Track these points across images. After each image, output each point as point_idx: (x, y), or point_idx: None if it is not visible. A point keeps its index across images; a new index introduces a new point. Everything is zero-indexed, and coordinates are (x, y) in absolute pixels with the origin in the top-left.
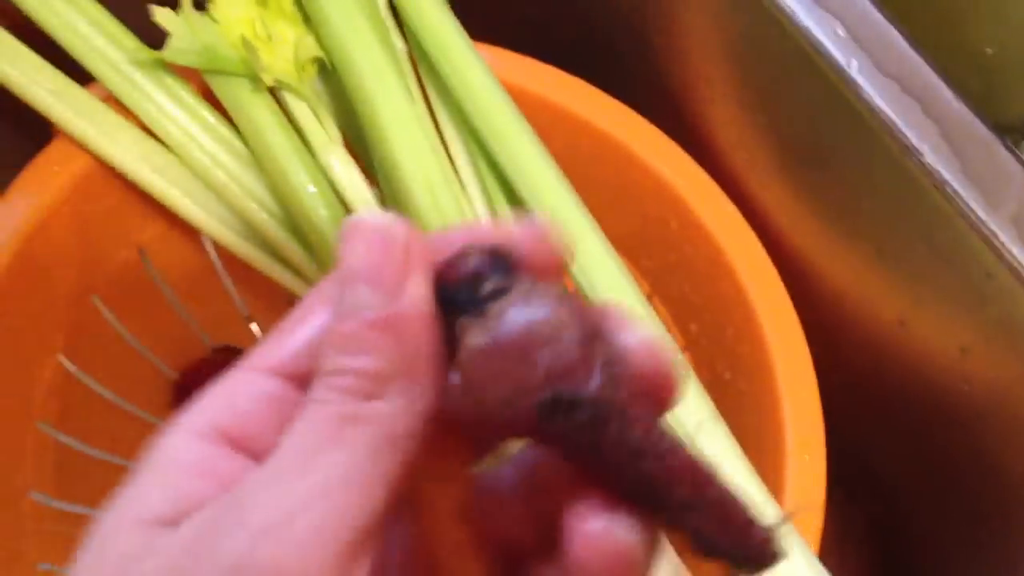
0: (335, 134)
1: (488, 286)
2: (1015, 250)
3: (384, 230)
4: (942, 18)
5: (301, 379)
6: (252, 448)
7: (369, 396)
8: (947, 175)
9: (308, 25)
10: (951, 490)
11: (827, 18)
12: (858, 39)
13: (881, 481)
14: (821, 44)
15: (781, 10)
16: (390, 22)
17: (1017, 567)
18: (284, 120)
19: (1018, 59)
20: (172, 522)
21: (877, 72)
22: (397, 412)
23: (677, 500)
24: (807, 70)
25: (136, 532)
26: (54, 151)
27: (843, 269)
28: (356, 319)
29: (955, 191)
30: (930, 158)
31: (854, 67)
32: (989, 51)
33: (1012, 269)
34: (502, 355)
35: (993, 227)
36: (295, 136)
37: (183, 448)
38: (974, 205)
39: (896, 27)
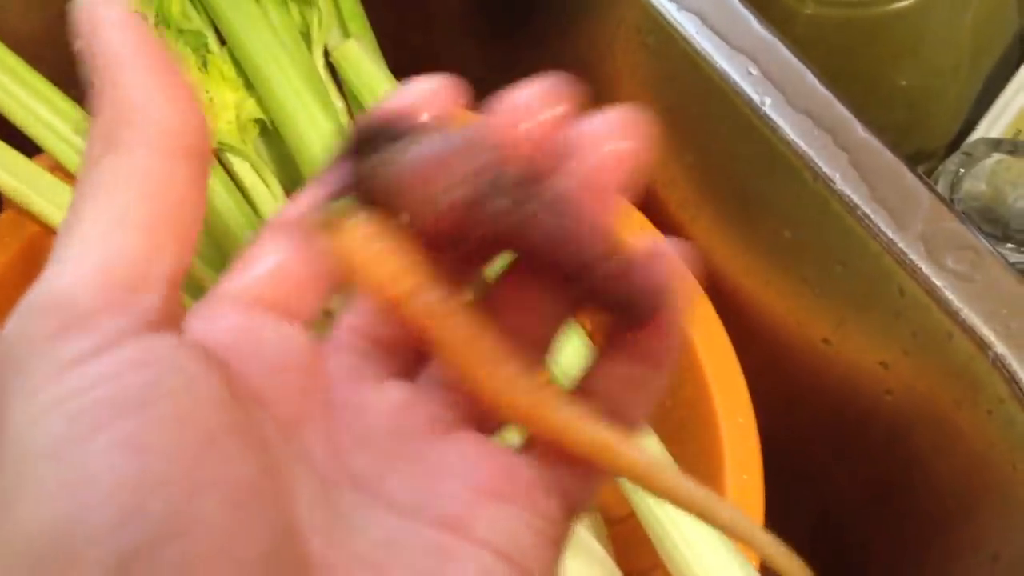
0: (278, 192)
1: (394, 134)
2: (924, 267)
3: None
4: (862, 56)
5: (267, 304)
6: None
7: (101, 156)
8: (857, 199)
9: (249, 89)
10: (886, 498)
11: (740, 58)
12: (770, 77)
13: (819, 494)
14: (736, 83)
15: (697, 52)
16: (329, 82)
17: (954, 573)
18: (228, 180)
19: (933, 92)
20: None
21: (789, 108)
22: (126, 157)
23: (582, 257)
24: (725, 108)
25: None
26: (3, 222)
27: (771, 295)
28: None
29: (865, 214)
30: (841, 184)
31: (767, 103)
32: (904, 83)
33: (922, 285)
34: (425, 165)
35: (903, 246)
36: (239, 195)
37: None
38: (884, 227)
39: (807, 65)
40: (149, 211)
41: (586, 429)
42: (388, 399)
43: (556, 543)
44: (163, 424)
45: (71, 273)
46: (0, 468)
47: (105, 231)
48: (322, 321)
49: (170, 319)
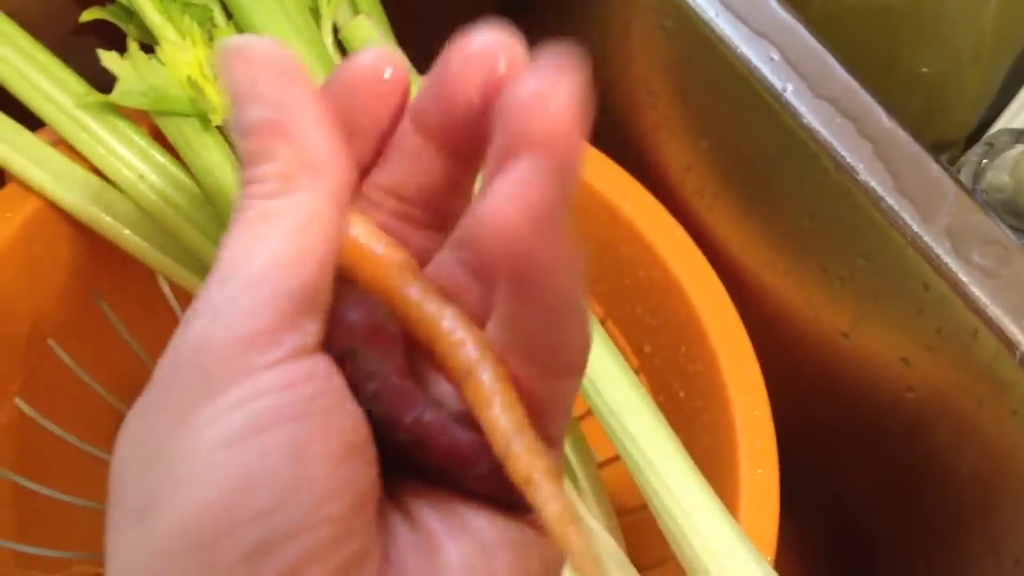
0: None
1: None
2: (949, 261)
3: (253, 50)
4: (881, 41)
5: None
6: None
7: (279, 194)
8: (882, 191)
9: None
10: (902, 496)
11: (762, 43)
12: (792, 63)
13: (834, 491)
14: (757, 69)
15: (718, 37)
16: (337, 59)
17: (969, 572)
18: (234, 158)
19: (954, 78)
20: None
21: (811, 94)
22: (308, 200)
23: (453, 475)
24: (745, 94)
25: None
26: (4, 197)
27: (789, 286)
28: (249, 134)
29: (890, 206)
30: (865, 175)
31: (789, 90)
32: (925, 70)
33: (947, 279)
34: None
35: (928, 240)
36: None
37: None
38: (908, 219)
39: (829, 51)
40: (325, 250)
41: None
42: None
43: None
44: (317, 433)
45: (256, 292)
46: (178, 458)
47: (290, 261)
48: None
49: (322, 345)
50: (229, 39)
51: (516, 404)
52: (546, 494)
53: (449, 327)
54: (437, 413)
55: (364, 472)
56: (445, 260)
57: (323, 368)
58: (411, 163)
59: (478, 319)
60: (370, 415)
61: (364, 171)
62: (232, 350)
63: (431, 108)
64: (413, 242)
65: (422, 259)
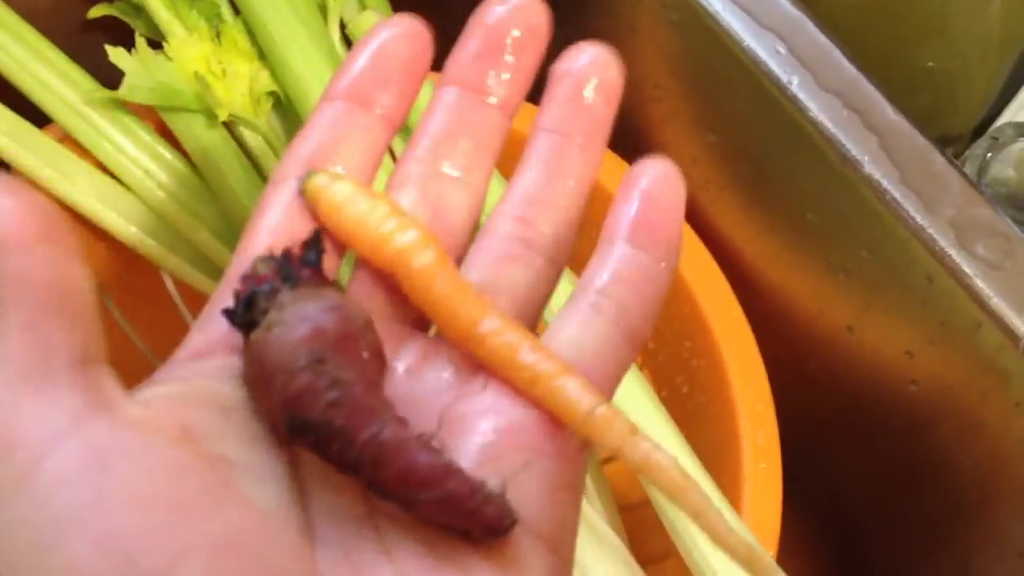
0: None
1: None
2: (954, 254)
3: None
4: (888, 36)
5: None
6: None
7: None
8: (887, 184)
9: (263, 60)
10: (905, 491)
11: (768, 36)
12: (798, 56)
13: (837, 485)
14: (763, 62)
15: (724, 30)
16: (344, 54)
17: (972, 567)
18: (240, 154)
19: (960, 73)
20: None
21: (817, 87)
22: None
23: (405, 497)
24: (751, 87)
25: None
26: None
27: (793, 280)
28: None
29: (895, 199)
30: (870, 168)
31: (795, 83)
32: (931, 65)
33: (952, 273)
34: (254, 381)
35: (932, 232)
36: (251, 169)
37: None
38: (913, 212)
39: (835, 44)
40: (31, 310)
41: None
42: (401, 366)
43: (573, 502)
44: (131, 510)
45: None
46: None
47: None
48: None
49: (97, 397)
50: None
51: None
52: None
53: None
54: (397, 431)
55: (222, 508)
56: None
57: (104, 434)
58: None
59: None
60: (325, 426)
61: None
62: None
63: None
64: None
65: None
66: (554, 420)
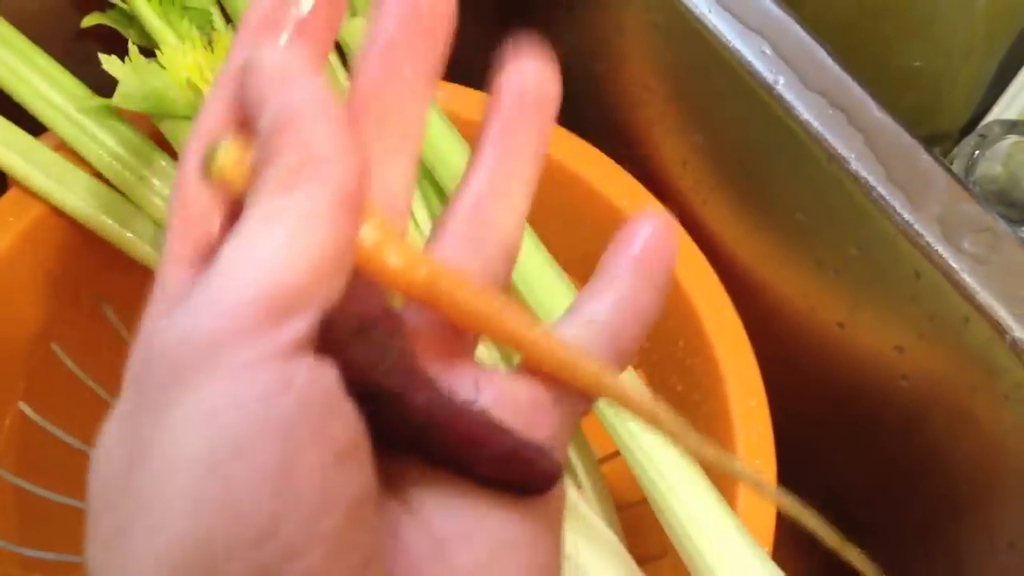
0: None
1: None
2: (940, 249)
3: (260, 61)
4: (873, 37)
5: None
6: None
7: (278, 193)
8: (873, 181)
9: None
10: (898, 484)
11: (754, 37)
12: (784, 56)
13: (830, 480)
14: (748, 63)
15: (710, 32)
16: (335, 61)
17: (966, 560)
18: None
19: (946, 73)
20: None
21: (803, 87)
22: (306, 198)
23: (466, 458)
24: (737, 88)
25: None
26: (7, 201)
27: (784, 278)
28: (257, 139)
29: (881, 195)
30: (856, 165)
31: (781, 83)
32: (917, 64)
33: (939, 268)
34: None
35: (919, 228)
36: None
37: None
38: (900, 208)
39: (820, 44)
40: (318, 251)
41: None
42: None
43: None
44: (302, 446)
45: (236, 289)
46: (154, 474)
47: (274, 258)
48: None
49: (311, 346)
50: (244, 57)
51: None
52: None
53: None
54: (450, 395)
55: (357, 477)
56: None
57: (308, 370)
58: None
59: None
60: (377, 397)
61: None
62: (208, 349)
63: None
64: None
65: None
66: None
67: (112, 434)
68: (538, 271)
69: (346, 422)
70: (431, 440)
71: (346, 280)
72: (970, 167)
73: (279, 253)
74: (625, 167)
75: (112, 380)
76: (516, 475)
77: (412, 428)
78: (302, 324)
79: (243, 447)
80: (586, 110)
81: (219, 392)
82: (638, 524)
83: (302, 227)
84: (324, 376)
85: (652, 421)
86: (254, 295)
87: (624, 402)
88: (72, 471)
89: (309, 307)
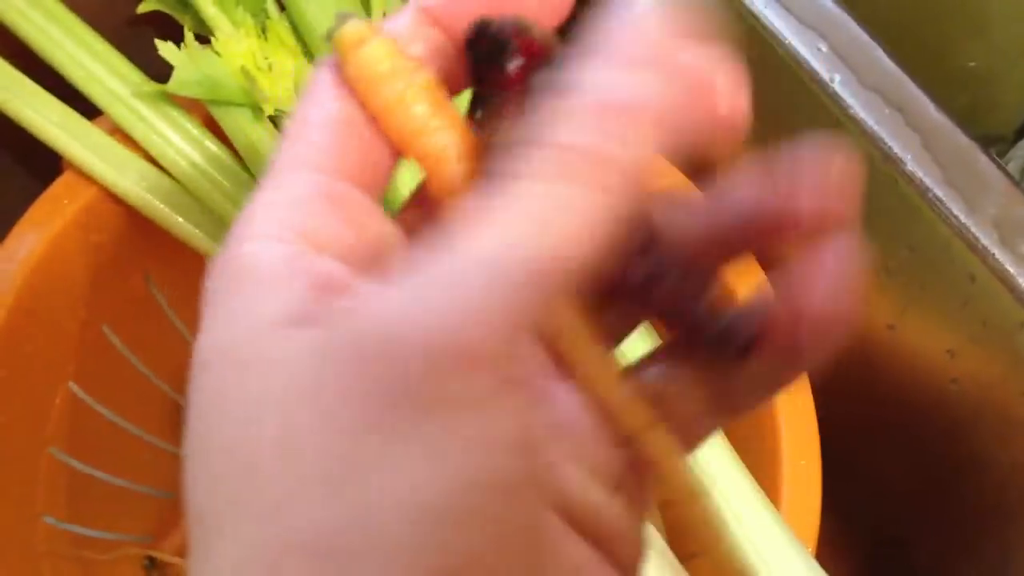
0: None
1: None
2: (996, 253)
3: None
4: (928, 35)
5: (348, 173)
6: (333, 251)
7: (560, 178)
8: (929, 182)
9: (308, 56)
10: (945, 490)
11: (810, 35)
12: (840, 54)
13: (876, 484)
14: (804, 60)
15: (766, 28)
16: None
17: (1012, 566)
18: None
19: (1001, 73)
20: (302, 321)
21: (859, 85)
22: (590, 195)
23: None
24: (793, 85)
25: (273, 334)
26: (63, 184)
27: None
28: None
29: (937, 197)
30: (912, 166)
31: (837, 81)
32: (972, 64)
33: (994, 271)
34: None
35: (975, 231)
36: None
37: (270, 256)
38: (956, 210)
39: (877, 42)
40: (581, 255)
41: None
42: None
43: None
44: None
45: (486, 287)
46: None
47: (542, 259)
48: None
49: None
50: None
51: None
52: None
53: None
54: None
55: (525, 500)
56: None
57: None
58: None
59: None
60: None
61: None
62: (437, 365)
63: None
64: None
65: None
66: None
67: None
68: None
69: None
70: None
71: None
72: None
73: (541, 248)
74: (672, 163)
75: (159, 362)
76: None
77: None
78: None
79: (464, 510)
80: None
81: (443, 433)
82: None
83: (583, 224)
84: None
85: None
86: (501, 296)
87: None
88: (120, 451)
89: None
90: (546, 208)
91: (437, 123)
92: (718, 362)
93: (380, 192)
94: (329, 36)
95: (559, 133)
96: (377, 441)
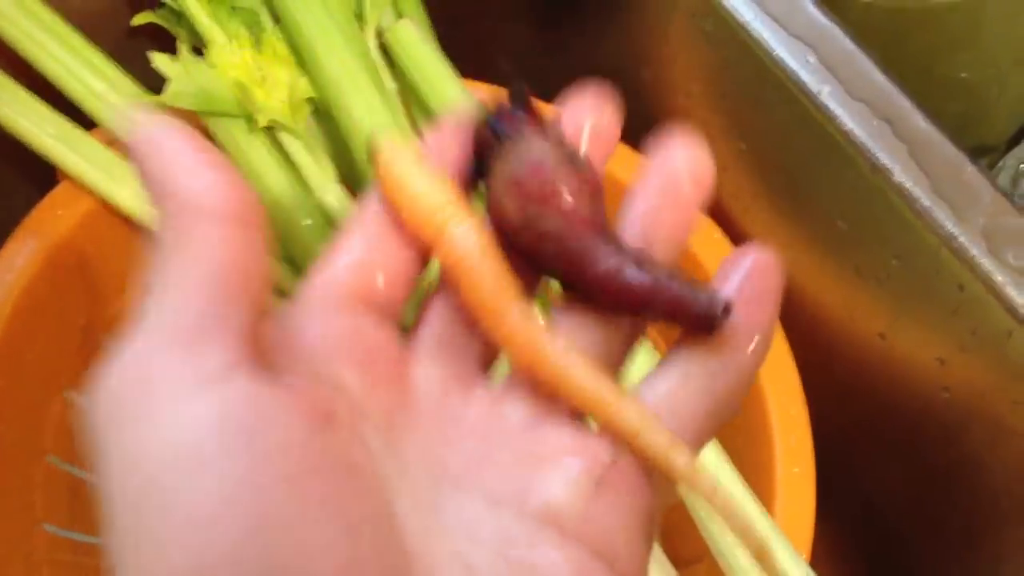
0: (329, 170)
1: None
2: (985, 262)
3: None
4: (919, 47)
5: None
6: None
7: (178, 231)
8: (917, 192)
9: (302, 67)
10: (937, 497)
11: (798, 45)
12: (829, 65)
13: (869, 491)
14: (793, 71)
15: (755, 39)
16: (381, 63)
17: (1002, 572)
18: (280, 158)
19: (992, 84)
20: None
21: (847, 96)
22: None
23: (644, 309)
24: (781, 96)
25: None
26: (59, 194)
27: (825, 287)
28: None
29: (925, 207)
30: (900, 176)
31: (825, 92)
32: (963, 75)
33: (982, 280)
34: (508, 185)
35: (963, 241)
36: (291, 173)
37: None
38: (944, 220)
39: (866, 53)
40: (207, 273)
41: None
42: (478, 406)
43: (648, 537)
44: (268, 462)
45: (149, 336)
46: (128, 492)
47: (167, 297)
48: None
49: (248, 361)
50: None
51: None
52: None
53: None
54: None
55: (348, 480)
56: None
57: (248, 395)
58: None
59: None
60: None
61: None
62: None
63: None
64: None
65: None
66: (637, 459)
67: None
68: None
69: (310, 436)
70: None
71: None
72: (1016, 180)
73: (173, 291)
74: None
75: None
76: (690, 321)
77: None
78: (215, 348)
79: (205, 462)
80: (629, 115)
81: (180, 417)
82: (676, 528)
83: (189, 262)
84: (270, 395)
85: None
86: (161, 336)
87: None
88: None
89: (224, 329)
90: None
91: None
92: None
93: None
94: (369, 156)
95: None
96: None
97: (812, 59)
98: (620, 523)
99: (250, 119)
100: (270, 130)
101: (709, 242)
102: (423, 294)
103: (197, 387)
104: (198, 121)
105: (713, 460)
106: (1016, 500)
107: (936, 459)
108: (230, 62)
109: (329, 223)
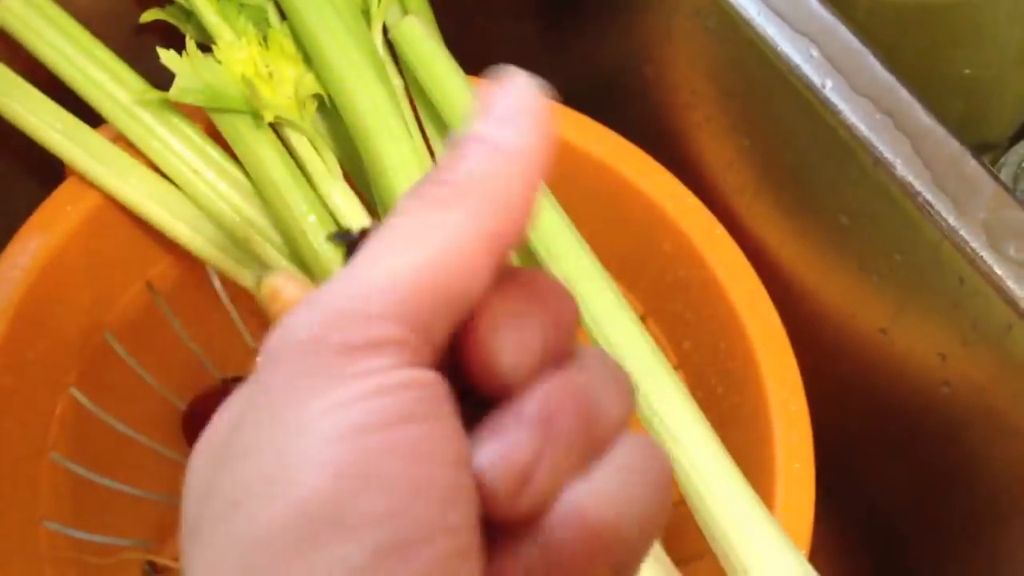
0: (334, 166)
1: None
2: (985, 256)
3: (517, 80)
4: (922, 44)
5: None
6: None
7: (436, 207)
8: (919, 186)
9: (308, 64)
10: (937, 493)
11: (802, 41)
12: (832, 60)
13: (869, 487)
14: (796, 66)
15: (758, 34)
16: (387, 60)
17: (1004, 570)
18: (285, 154)
19: (996, 81)
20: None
21: (850, 91)
22: (457, 224)
23: None
24: (784, 91)
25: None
26: (65, 190)
27: (827, 282)
28: (456, 140)
29: (927, 201)
30: (902, 170)
31: (828, 87)
32: (967, 72)
33: (983, 274)
34: None
35: (964, 234)
36: (296, 169)
37: None
38: (945, 214)
39: (869, 48)
40: (445, 281)
41: None
42: None
43: None
44: (436, 436)
45: (377, 299)
46: (279, 450)
47: (417, 274)
48: None
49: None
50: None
51: None
52: None
53: None
54: None
55: (473, 484)
56: None
57: (433, 379)
58: None
59: None
60: None
61: None
62: (339, 354)
63: None
64: None
65: None
66: None
67: (223, 424)
68: (581, 269)
69: (462, 434)
70: None
71: None
72: (1018, 176)
73: (423, 272)
74: (670, 169)
75: (161, 368)
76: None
77: None
78: (427, 345)
79: (382, 424)
80: (633, 112)
81: (358, 386)
82: (676, 525)
83: (441, 252)
84: (446, 389)
85: None
86: (392, 308)
87: None
88: (121, 456)
89: (439, 328)
90: (417, 230)
91: None
92: None
93: None
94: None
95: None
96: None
97: (815, 54)
98: None
99: (256, 115)
100: (276, 126)
101: (712, 238)
102: None
103: (397, 364)
104: (205, 117)
105: (715, 456)
106: (1016, 496)
107: (936, 457)
108: (237, 58)
109: (333, 219)
